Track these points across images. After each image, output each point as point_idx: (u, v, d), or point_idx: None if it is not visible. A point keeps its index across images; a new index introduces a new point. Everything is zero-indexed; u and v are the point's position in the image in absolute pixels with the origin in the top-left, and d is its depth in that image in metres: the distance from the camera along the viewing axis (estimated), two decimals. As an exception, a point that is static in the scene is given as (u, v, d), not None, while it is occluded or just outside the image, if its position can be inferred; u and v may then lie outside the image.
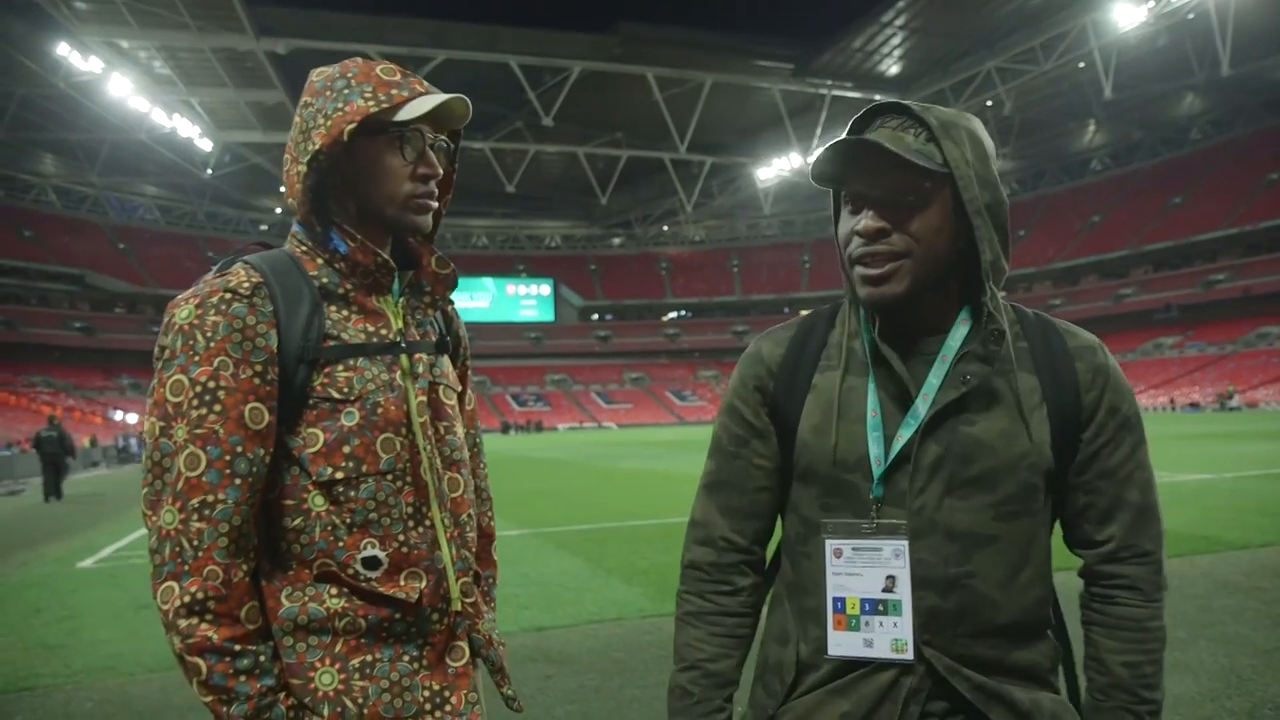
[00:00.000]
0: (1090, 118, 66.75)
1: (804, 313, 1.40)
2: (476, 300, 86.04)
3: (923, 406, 1.19)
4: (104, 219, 71.54)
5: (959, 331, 1.21)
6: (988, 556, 1.17)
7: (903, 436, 1.19)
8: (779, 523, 1.38)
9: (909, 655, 1.17)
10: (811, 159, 1.24)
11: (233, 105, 48.99)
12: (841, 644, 1.20)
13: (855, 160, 1.18)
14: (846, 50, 51.86)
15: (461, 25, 46.73)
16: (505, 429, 64.40)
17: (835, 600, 1.22)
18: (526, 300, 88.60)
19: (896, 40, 51.02)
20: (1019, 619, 1.19)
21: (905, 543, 1.18)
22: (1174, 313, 61.43)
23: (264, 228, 76.89)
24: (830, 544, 1.23)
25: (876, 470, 1.19)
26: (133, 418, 51.51)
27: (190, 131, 50.07)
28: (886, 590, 1.19)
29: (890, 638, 1.18)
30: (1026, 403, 1.19)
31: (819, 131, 55.31)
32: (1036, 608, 1.21)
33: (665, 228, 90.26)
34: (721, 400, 1.40)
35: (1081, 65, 49.52)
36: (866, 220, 1.17)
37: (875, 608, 1.19)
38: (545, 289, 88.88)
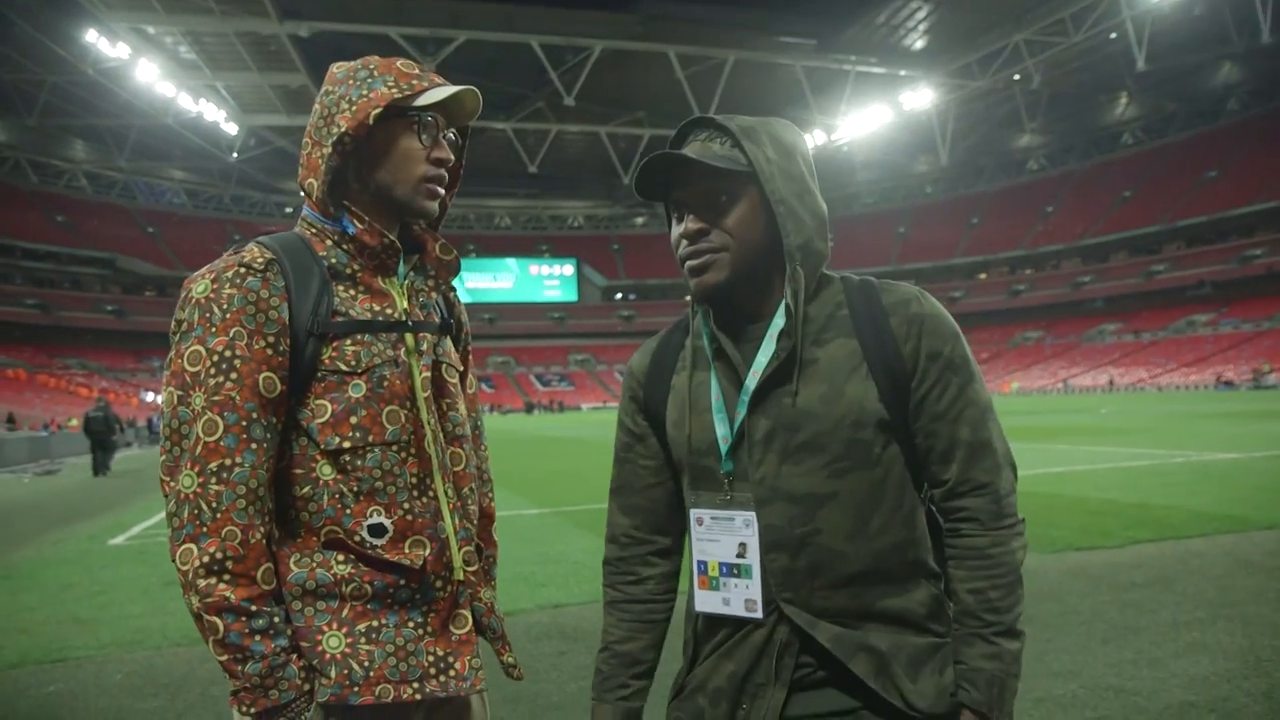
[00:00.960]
0: (1121, 90, 65.63)
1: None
2: (500, 281, 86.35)
3: (752, 384, 1.29)
4: (133, 203, 72.42)
5: (783, 313, 1.31)
6: (830, 513, 1.26)
7: (740, 415, 1.30)
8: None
9: (759, 614, 1.28)
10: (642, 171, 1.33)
11: (257, 89, 49.31)
12: (705, 602, 1.34)
13: (668, 173, 1.33)
14: (870, 25, 51.26)
15: (482, 5, 46.66)
16: (529, 409, 64.74)
17: (699, 563, 1.35)
18: (550, 280, 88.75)
19: (921, 14, 50.34)
20: (874, 566, 1.26)
21: (752, 514, 1.29)
22: (1207, 289, 60.45)
23: (289, 210, 77.51)
24: (694, 513, 1.36)
25: (723, 448, 1.31)
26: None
27: (216, 115, 50.55)
28: (739, 556, 1.30)
29: (743, 598, 1.30)
30: (844, 365, 1.28)
31: (843, 108, 54.77)
32: (893, 554, 1.28)
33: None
34: None
35: (1113, 36, 48.70)
36: (687, 223, 1.31)
37: (730, 571, 1.31)
38: (568, 269, 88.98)
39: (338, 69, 1.43)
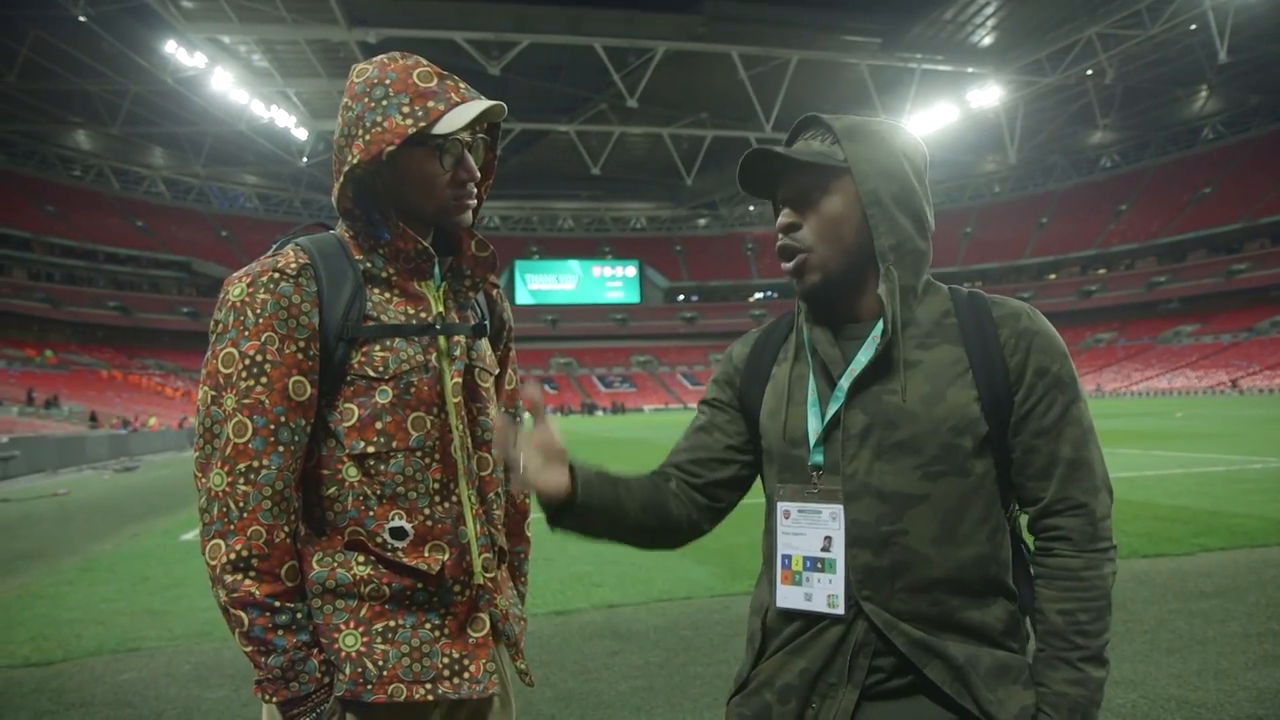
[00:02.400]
0: (1201, 83, 63.23)
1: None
2: (563, 282, 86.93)
3: (846, 381, 1.30)
4: (208, 208, 74.82)
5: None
6: (918, 515, 1.25)
7: (832, 409, 1.30)
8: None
9: (840, 610, 1.26)
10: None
11: (327, 95, 50.44)
12: (786, 597, 1.32)
13: (764, 169, 1.37)
14: (937, 22, 50.23)
15: (546, 9, 46.91)
16: (589, 410, 65.07)
17: (784, 557, 1.34)
18: (612, 282, 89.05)
19: (989, 10, 49.18)
20: (956, 575, 1.25)
21: (840, 507, 1.28)
22: (1293, 289, 57.94)
23: (358, 214, 79.01)
24: (781, 506, 1.35)
25: (813, 441, 1.32)
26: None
27: (286, 121, 51.85)
28: (824, 549, 1.30)
29: (826, 593, 1.29)
30: (949, 371, 1.28)
31: (908, 107, 53.83)
32: (975, 566, 1.26)
33: (751, 208, 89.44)
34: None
35: (1193, 28, 46.90)
36: (781, 217, 1.35)
37: (815, 565, 1.30)
38: (631, 270, 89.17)
39: (357, 79, 1.40)
